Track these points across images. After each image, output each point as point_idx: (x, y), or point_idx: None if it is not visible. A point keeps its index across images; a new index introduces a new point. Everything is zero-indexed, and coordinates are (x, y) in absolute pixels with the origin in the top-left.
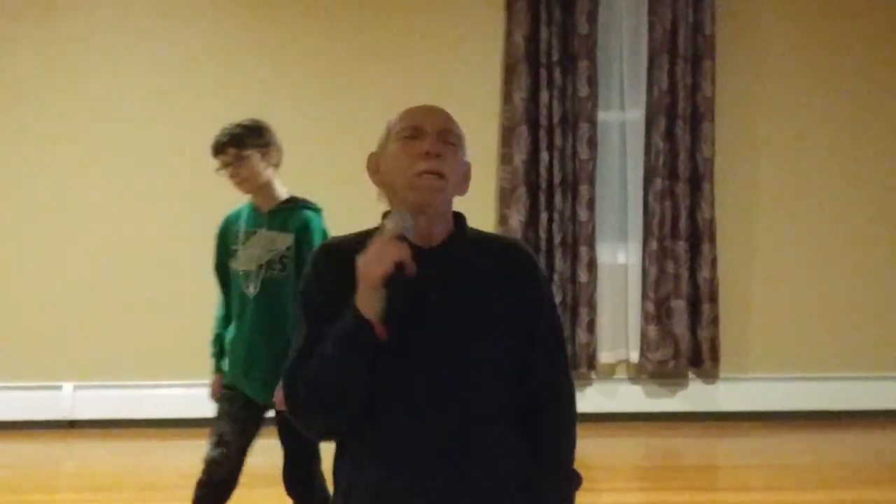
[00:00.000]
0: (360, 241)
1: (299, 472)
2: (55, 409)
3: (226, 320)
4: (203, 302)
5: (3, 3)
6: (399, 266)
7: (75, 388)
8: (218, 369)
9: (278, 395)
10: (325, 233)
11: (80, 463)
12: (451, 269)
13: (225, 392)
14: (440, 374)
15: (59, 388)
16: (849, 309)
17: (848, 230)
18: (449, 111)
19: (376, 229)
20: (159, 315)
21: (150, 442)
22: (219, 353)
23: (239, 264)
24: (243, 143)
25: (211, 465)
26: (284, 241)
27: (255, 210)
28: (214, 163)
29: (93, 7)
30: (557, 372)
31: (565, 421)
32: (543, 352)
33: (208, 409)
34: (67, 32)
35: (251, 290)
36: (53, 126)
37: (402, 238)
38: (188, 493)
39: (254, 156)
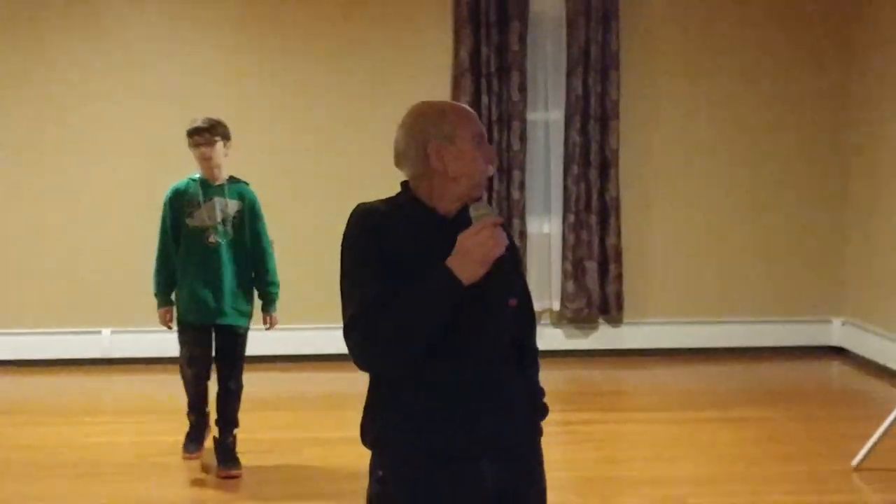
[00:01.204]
0: (389, 205)
1: (228, 392)
2: (96, 350)
3: (168, 267)
4: None
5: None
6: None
7: (112, 332)
8: (166, 303)
9: (273, 319)
10: (259, 201)
11: (115, 393)
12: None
13: (185, 327)
14: (482, 320)
15: (99, 332)
16: (728, 267)
17: (725, 205)
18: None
19: (400, 195)
20: None
21: (173, 376)
22: (167, 293)
23: (199, 221)
24: (216, 132)
25: (192, 375)
26: (235, 206)
27: (205, 183)
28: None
29: (123, 18)
30: (531, 304)
31: (537, 352)
32: (527, 304)
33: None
34: (103, 46)
35: (212, 239)
36: (101, 110)
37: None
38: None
39: (219, 143)
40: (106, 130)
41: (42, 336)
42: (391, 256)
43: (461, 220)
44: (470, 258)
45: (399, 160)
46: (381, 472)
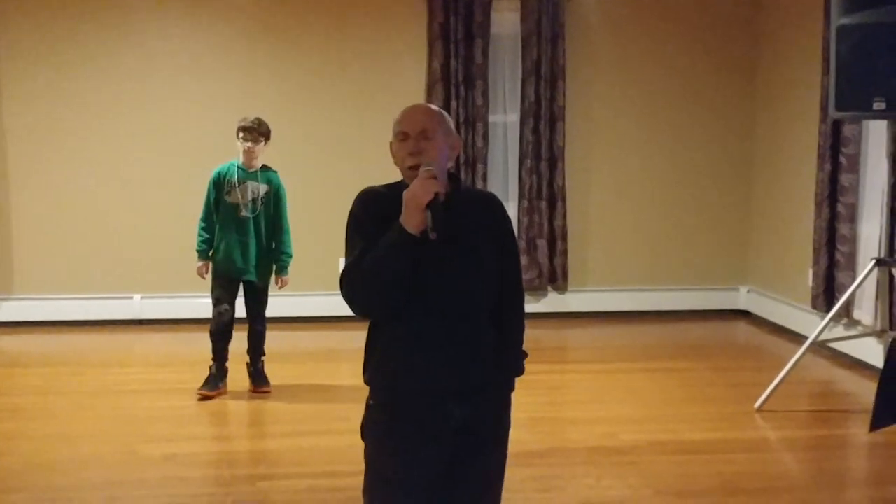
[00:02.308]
0: (388, 188)
1: (256, 332)
2: (128, 312)
3: (210, 232)
4: None
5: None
6: (436, 194)
7: (142, 297)
8: (205, 258)
9: (284, 281)
10: (284, 187)
11: (145, 348)
12: (455, 212)
13: (217, 277)
14: (453, 280)
15: (131, 297)
16: (653, 243)
17: (651, 192)
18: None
19: (399, 182)
20: None
21: (195, 334)
22: (206, 251)
23: (234, 199)
24: (261, 132)
25: (218, 316)
26: (263, 189)
27: (243, 168)
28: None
29: (153, 29)
30: (518, 278)
31: (522, 311)
32: (510, 265)
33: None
34: (145, 54)
35: (244, 213)
36: (140, 108)
37: (434, 178)
38: None
39: (262, 141)
40: (141, 126)
41: (82, 300)
42: (379, 228)
43: (450, 201)
44: (407, 207)
45: None
46: (370, 402)
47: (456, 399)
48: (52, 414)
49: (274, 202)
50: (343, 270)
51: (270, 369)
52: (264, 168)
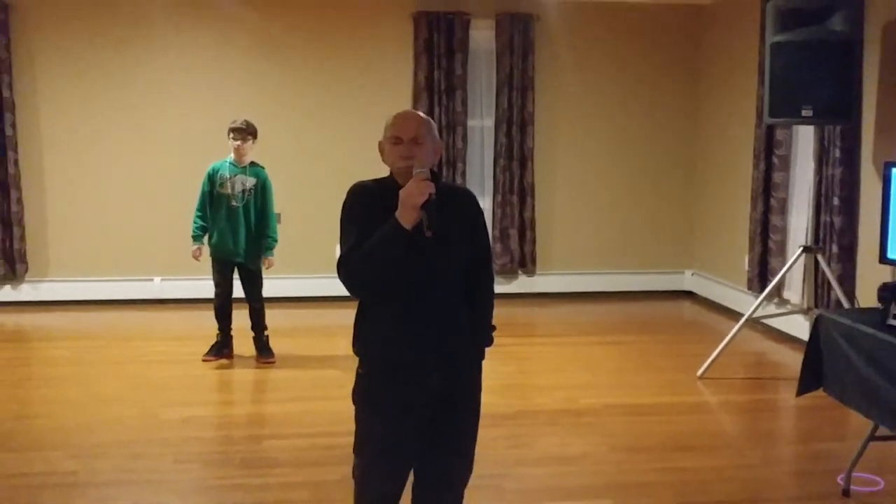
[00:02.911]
0: (378, 183)
1: (255, 309)
2: (149, 293)
3: (204, 219)
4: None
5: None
6: (430, 195)
7: (161, 280)
8: (198, 242)
9: (269, 262)
10: (270, 181)
11: (165, 324)
12: (437, 202)
13: (214, 262)
14: (434, 266)
15: (152, 279)
16: (610, 232)
17: (609, 187)
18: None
19: (388, 177)
20: None
21: (208, 312)
22: (199, 236)
23: (225, 191)
24: (249, 132)
25: (216, 297)
26: (251, 182)
27: (234, 164)
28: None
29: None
30: (488, 264)
31: (491, 292)
32: (482, 252)
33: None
34: (161, 65)
35: (234, 203)
36: (157, 109)
37: (428, 180)
38: (233, 341)
39: (250, 140)
40: (159, 129)
41: (109, 282)
42: (371, 218)
43: (428, 203)
44: (404, 205)
45: None
46: (360, 371)
47: (434, 369)
48: (83, 382)
49: (261, 194)
50: (340, 257)
51: (274, 343)
52: (253, 164)
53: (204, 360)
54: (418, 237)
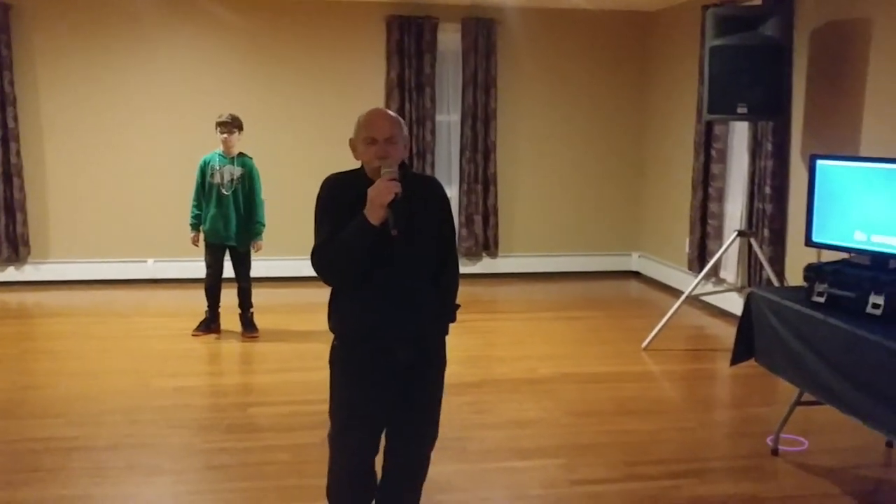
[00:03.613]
0: (350, 176)
1: (242, 288)
2: (143, 273)
3: (199, 209)
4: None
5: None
6: (396, 195)
7: (154, 261)
8: (195, 230)
9: (258, 245)
10: (257, 169)
11: (158, 302)
12: (404, 196)
13: (207, 244)
14: (404, 256)
15: (145, 261)
16: (565, 218)
17: (563, 177)
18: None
19: (359, 170)
20: None
21: (197, 291)
22: (196, 225)
23: (216, 180)
24: (235, 125)
25: (207, 278)
26: (239, 171)
27: (223, 155)
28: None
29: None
30: (453, 248)
31: (456, 274)
32: (448, 238)
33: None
34: (154, 65)
35: (224, 191)
36: (151, 102)
37: (394, 180)
38: (221, 317)
39: (236, 132)
40: (153, 121)
41: (106, 263)
42: (342, 211)
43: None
44: (372, 203)
45: None
46: (335, 343)
47: (402, 344)
48: (83, 355)
49: (248, 182)
50: (313, 249)
51: (259, 318)
52: (240, 155)
53: (193, 335)
54: (386, 232)
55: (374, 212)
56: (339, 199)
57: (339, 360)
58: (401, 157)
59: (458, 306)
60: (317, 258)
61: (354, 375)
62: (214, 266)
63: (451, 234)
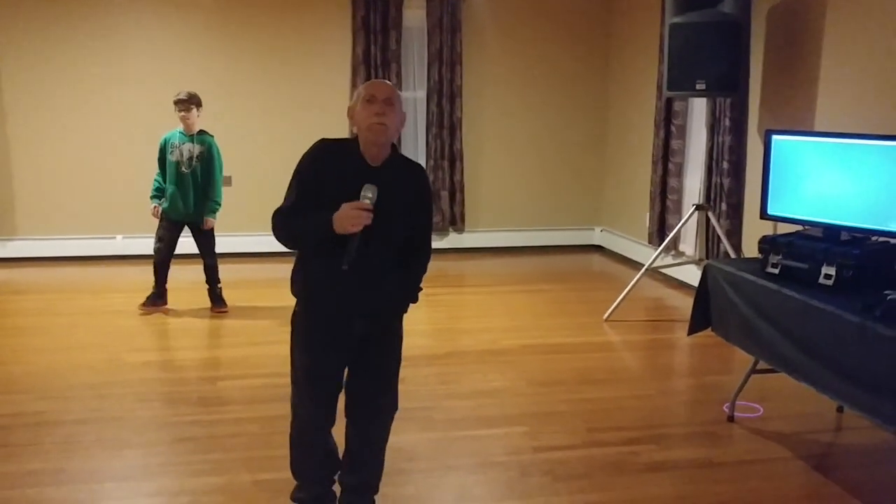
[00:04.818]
0: (342, 145)
1: (208, 265)
2: (111, 249)
3: (160, 183)
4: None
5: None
6: (363, 227)
7: (123, 237)
8: (155, 202)
9: (209, 223)
10: (217, 146)
11: (127, 278)
12: (386, 178)
13: (164, 220)
14: (376, 236)
15: (114, 237)
16: (528, 194)
17: (527, 152)
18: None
19: (353, 139)
20: None
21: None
22: (157, 197)
23: (176, 157)
24: (192, 102)
25: (156, 253)
26: (199, 149)
27: (183, 133)
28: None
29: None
30: (427, 236)
31: (426, 260)
32: (423, 226)
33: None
34: (120, 44)
35: (184, 169)
36: (116, 82)
37: (369, 210)
38: (190, 293)
39: (194, 109)
40: (119, 98)
41: (74, 240)
42: (318, 182)
43: (382, 171)
44: (340, 222)
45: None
46: (296, 309)
47: (359, 318)
48: (50, 331)
49: (207, 160)
50: (276, 210)
51: (227, 294)
52: (201, 133)
53: (140, 312)
54: (350, 239)
55: (339, 226)
56: (317, 170)
57: (299, 324)
58: (396, 129)
59: (421, 289)
60: (274, 222)
61: (312, 339)
62: (166, 240)
63: (429, 222)
